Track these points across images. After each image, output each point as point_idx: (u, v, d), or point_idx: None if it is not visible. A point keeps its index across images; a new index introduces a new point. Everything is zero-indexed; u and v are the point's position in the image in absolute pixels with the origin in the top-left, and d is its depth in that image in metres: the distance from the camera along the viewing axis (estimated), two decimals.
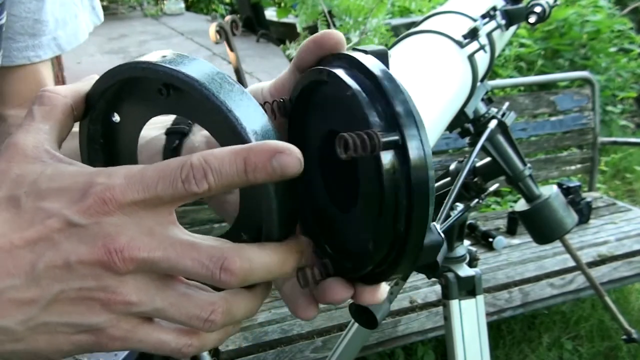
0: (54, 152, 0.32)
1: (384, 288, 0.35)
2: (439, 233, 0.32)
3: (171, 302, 0.30)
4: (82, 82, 0.36)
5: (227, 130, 0.30)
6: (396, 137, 0.30)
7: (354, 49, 0.35)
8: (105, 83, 0.34)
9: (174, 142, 0.43)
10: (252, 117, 0.30)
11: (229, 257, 0.29)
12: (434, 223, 0.32)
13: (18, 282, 0.28)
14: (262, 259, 0.30)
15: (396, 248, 0.31)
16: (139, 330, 0.30)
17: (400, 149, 0.30)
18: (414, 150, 0.30)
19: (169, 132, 0.45)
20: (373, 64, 0.32)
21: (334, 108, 0.34)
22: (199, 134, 0.44)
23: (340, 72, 0.33)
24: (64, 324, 0.29)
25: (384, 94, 0.31)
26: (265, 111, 0.34)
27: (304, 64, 0.37)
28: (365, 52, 0.34)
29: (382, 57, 0.33)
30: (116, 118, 0.36)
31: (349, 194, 0.33)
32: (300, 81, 0.37)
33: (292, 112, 0.38)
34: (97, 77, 0.34)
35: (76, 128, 0.37)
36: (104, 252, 0.28)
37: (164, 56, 0.32)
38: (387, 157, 0.29)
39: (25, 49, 0.59)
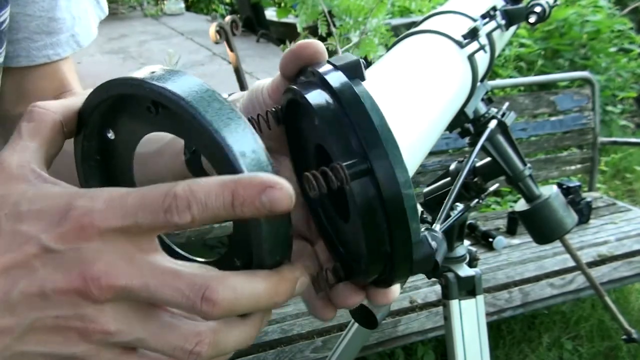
0: (40, 171, 0.31)
1: (396, 287, 0.35)
2: (429, 244, 0.32)
3: (153, 332, 0.28)
4: (74, 98, 0.35)
5: (215, 152, 0.29)
6: (365, 166, 0.30)
7: (327, 61, 0.34)
8: (97, 97, 0.33)
9: (192, 149, 0.43)
10: (241, 139, 0.29)
11: (211, 286, 0.27)
12: (425, 233, 0.32)
13: None
14: (248, 288, 0.28)
15: (388, 264, 0.32)
16: (120, 358, 0.29)
17: (370, 174, 0.30)
18: (383, 175, 0.30)
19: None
20: (340, 85, 0.32)
21: (315, 125, 0.34)
22: None
23: (312, 96, 0.32)
24: (42, 353, 0.28)
25: (349, 120, 0.30)
26: (259, 125, 0.34)
27: (288, 72, 0.37)
28: (336, 67, 0.33)
29: (354, 69, 0.33)
30: (111, 134, 0.35)
31: (345, 204, 0.34)
32: (283, 96, 0.37)
33: (286, 120, 0.38)
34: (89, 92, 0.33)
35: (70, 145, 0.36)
36: (80, 280, 0.27)
37: (153, 72, 0.31)
38: (357, 188, 0.30)
39: (44, 47, 0.59)
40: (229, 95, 0.48)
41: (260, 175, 0.27)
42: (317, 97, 0.32)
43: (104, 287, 0.27)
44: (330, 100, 0.32)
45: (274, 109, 0.37)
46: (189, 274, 0.28)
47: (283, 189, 0.27)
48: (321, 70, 0.33)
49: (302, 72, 0.36)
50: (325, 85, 0.33)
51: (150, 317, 0.29)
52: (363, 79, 0.33)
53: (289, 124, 0.39)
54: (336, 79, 0.32)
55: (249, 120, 0.37)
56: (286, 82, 0.38)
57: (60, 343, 0.28)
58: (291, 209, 0.27)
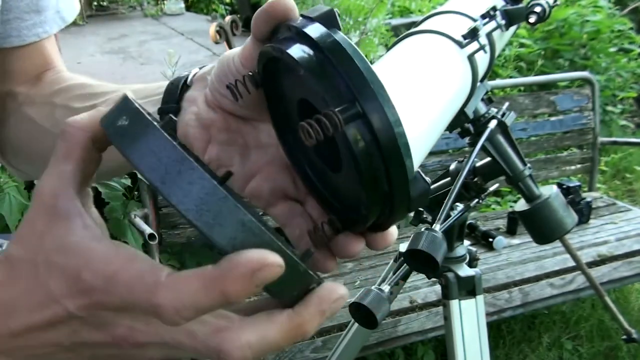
0: (76, 202, 0.31)
1: (394, 230, 0.36)
2: (424, 180, 0.33)
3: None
4: (103, 109, 0.34)
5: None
6: (356, 109, 0.30)
7: (301, 15, 0.34)
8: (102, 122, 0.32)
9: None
10: (195, 196, 0.27)
11: (223, 349, 0.28)
12: (418, 170, 0.33)
13: (55, 349, 0.31)
14: (265, 342, 0.28)
15: (387, 205, 0.32)
16: None
17: (362, 117, 0.30)
18: (375, 116, 0.30)
19: (161, 112, 0.45)
20: (320, 35, 0.32)
21: (298, 79, 0.34)
22: (189, 111, 0.44)
23: (293, 50, 0.32)
24: None
25: (334, 67, 0.31)
26: (237, 91, 0.34)
27: (261, 34, 0.37)
28: (311, 19, 0.33)
29: (330, 19, 0.33)
30: None
31: (335, 156, 0.34)
32: (259, 56, 0.37)
33: (264, 82, 0.38)
34: (124, 93, 0.32)
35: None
36: (111, 338, 0.30)
37: (124, 119, 0.29)
38: (351, 131, 0.30)
39: (34, 26, 0.60)
40: (200, 68, 0.48)
41: (243, 263, 0.26)
42: (298, 50, 0.32)
43: (132, 344, 0.30)
44: (312, 51, 0.32)
45: (250, 73, 0.37)
46: (203, 334, 0.28)
47: (271, 265, 0.26)
48: (297, 24, 0.33)
49: (275, 33, 0.36)
50: (305, 38, 0.32)
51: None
52: (339, 28, 0.33)
53: (267, 86, 0.38)
54: (314, 30, 0.32)
55: (227, 87, 0.37)
56: (259, 45, 0.37)
57: None
58: (283, 272, 0.27)
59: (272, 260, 0.26)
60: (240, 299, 0.27)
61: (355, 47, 0.31)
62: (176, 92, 0.46)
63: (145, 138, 0.28)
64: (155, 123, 0.29)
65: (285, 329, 0.29)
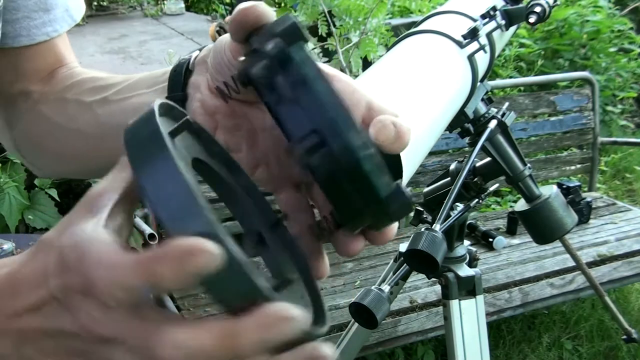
0: (109, 205, 0.31)
1: (392, 227, 0.36)
2: (403, 192, 0.33)
3: None
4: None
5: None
6: (316, 139, 0.30)
7: (267, 28, 0.34)
8: None
9: None
10: (161, 183, 0.27)
11: (150, 344, 0.27)
12: (397, 183, 0.33)
13: (40, 335, 0.30)
14: (196, 345, 0.26)
15: (367, 216, 0.33)
16: None
17: (325, 146, 0.30)
18: (336, 145, 0.30)
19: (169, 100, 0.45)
20: (280, 55, 0.31)
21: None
22: (195, 98, 0.44)
23: (256, 71, 0.32)
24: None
25: (293, 95, 0.30)
26: (228, 93, 0.34)
27: (238, 38, 0.37)
28: (275, 34, 0.32)
29: (293, 33, 0.32)
30: None
31: None
32: (239, 68, 0.36)
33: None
34: (152, 105, 0.31)
35: None
36: (76, 327, 0.29)
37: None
38: (315, 162, 0.30)
39: (43, 25, 0.60)
40: (200, 49, 0.48)
41: (176, 245, 0.25)
42: (260, 71, 0.32)
43: (94, 336, 0.29)
44: (271, 75, 0.31)
45: (232, 77, 0.37)
46: (142, 329, 0.28)
47: (206, 251, 0.25)
48: (261, 41, 0.33)
49: (252, 35, 0.36)
50: (267, 57, 0.32)
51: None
52: (305, 40, 0.32)
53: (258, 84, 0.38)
54: (276, 48, 0.32)
55: (217, 89, 0.37)
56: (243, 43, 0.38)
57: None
58: (222, 264, 0.25)
59: (209, 247, 0.25)
60: (173, 285, 0.25)
61: (316, 66, 0.31)
62: (180, 80, 0.46)
63: (156, 164, 0.27)
64: (170, 146, 0.28)
65: (216, 335, 0.26)
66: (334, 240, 0.36)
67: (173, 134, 0.31)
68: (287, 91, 0.31)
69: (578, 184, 2.35)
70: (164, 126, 0.30)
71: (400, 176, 0.69)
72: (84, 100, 0.56)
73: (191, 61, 0.47)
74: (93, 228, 0.30)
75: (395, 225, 0.36)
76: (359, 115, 0.37)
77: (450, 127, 1.06)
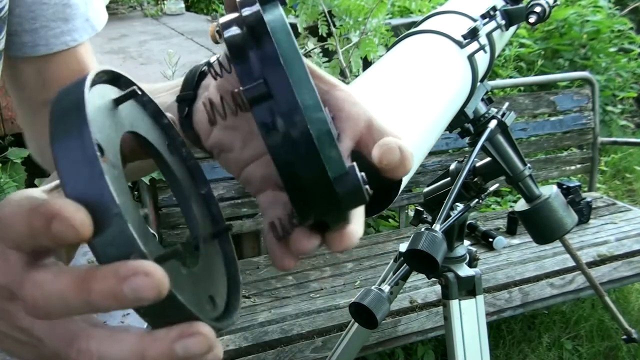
0: (43, 192, 0.32)
1: (351, 232, 0.33)
2: (355, 174, 0.29)
3: (44, 330, 0.30)
4: None
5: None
6: (263, 89, 0.28)
7: None
8: None
9: (184, 111, 0.45)
10: (78, 177, 0.26)
11: (23, 285, 0.27)
12: (353, 165, 0.29)
13: None
14: (54, 286, 0.26)
15: (315, 202, 0.29)
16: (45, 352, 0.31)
17: (269, 98, 0.28)
18: (283, 98, 0.27)
19: (179, 100, 0.46)
20: (249, 14, 0.30)
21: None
22: (202, 97, 0.45)
23: (228, 33, 0.31)
24: (9, 335, 0.31)
25: (253, 47, 0.29)
26: (215, 72, 0.34)
27: (230, 5, 0.36)
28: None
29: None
30: None
31: None
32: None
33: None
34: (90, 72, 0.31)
35: None
36: None
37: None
38: (258, 113, 0.28)
39: (62, 34, 0.60)
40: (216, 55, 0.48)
41: (117, 265, 0.25)
42: (232, 32, 0.31)
43: (1, 286, 0.29)
44: (239, 32, 0.30)
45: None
46: (17, 272, 0.28)
47: (150, 276, 0.24)
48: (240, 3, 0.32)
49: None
50: (240, 18, 0.31)
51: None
52: (284, 3, 0.31)
53: None
54: (250, 9, 0.30)
55: (206, 64, 0.35)
56: None
57: (12, 329, 0.31)
58: (164, 294, 0.25)
59: (154, 271, 0.25)
60: (107, 307, 0.25)
61: (286, 26, 0.29)
62: (193, 81, 0.47)
63: (70, 135, 0.27)
64: (89, 114, 0.27)
65: (75, 275, 0.26)
66: (289, 239, 0.34)
67: (117, 102, 0.30)
68: (246, 45, 0.29)
69: (578, 184, 2.35)
70: (108, 94, 0.29)
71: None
72: None
73: (205, 66, 0.48)
74: (19, 198, 0.30)
75: (356, 229, 0.33)
76: (357, 130, 0.35)
77: (450, 127, 1.06)
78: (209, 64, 0.36)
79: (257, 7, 0.29)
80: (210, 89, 0.44)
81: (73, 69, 0.62)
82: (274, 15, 0.29)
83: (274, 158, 0.28)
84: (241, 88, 0.27)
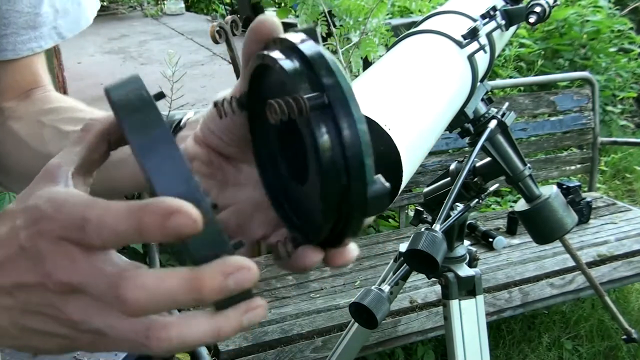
0: (69, 174, 0.35)
1: (353, 248, 0.36)
2: (382, 183, 0.32)
3: (109, 324, 0.31)
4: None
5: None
6: (322, 99, 0.31)
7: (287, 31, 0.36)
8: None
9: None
10: (160, 159, 0.30)
11: (121, 285, 0.29)
12: (379, 176, 0.33)
13: (1, 290, 0.33)
14: (162, 287, 0.29)
15: (345, 205, 0.32)
16: (99, 341, 0.32)
17: (327, 107, 0.31)
18: (340, 108, 0.31)
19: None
20: (300, 40, 0.33)
21: (277, 88, 0.35)
22: (188, 128, 0.46)
23: (273, 53, 0.34)
24: (40, 330, 0.33)
25: (310, 65, 0.32)
26: (224, 111, 0.37)
27: (252, 53, 0.38)
28: (295, 31, 0.35)
29: (311, 33, 0.35)
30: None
31: (304, 165, 0.35)
32: (246, 73, 0.38)
33: (249, 103, 0.39)
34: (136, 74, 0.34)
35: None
36: (39, 276, 0.31)
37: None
38: (315, 118, 0.31)
39: (29, 41, 0.62)
40: (195, 113, 0.49)
41: (164, 202, 0.28)
42: (279, 52, 0.34)
43: (55, 281, 0.30)
44: (293, 53, 0.33)
45: (237, 96, 0.39)
46: (110, 273, 0.30)
47: (187, 214, 0.28)
48: (282, 36, 0.35)
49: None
50: (287, 45, 0.34)
51: (106, 310, 0.31)
52: (319, 42, 0.34)
53: (251, 110, 0.40)
54: (296, 37, 0.34)
55: (214, 104, 0.38)
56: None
57: (47, 324, 0.32)
58: (199, 229, 0.28)
59: (190, 211, 0.28)
60: (154, 237, 0.28)
61: (336, 61, 0.33)
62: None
63: (149, 129, 0.30)
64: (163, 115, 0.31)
65: (182, 277, 0.29)
66: (291, 258, 0.36)
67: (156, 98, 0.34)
68: (304, 68, 0.33)
69: (578, 184, 2.35)
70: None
71: (400, 177, 0.69)
72: (61, 129, 0.58)
73: (183, 120, 0.49)
74: (64, 187, 0.33)
75: (355, 246, 0.36)
76: None
77: (450, 127, 1.06)
78: (216, 103, 0.39)
79: (307, 38, 0.34)
80: (187, 141, 0.45)
81: (27, 78, 0.64)
82: (324, 50, 0.33)
83: (321, 157, 0.31)
84: (305, 96, 0.30)
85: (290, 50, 0.34)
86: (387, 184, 0.32)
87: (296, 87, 0.31)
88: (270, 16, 0.37)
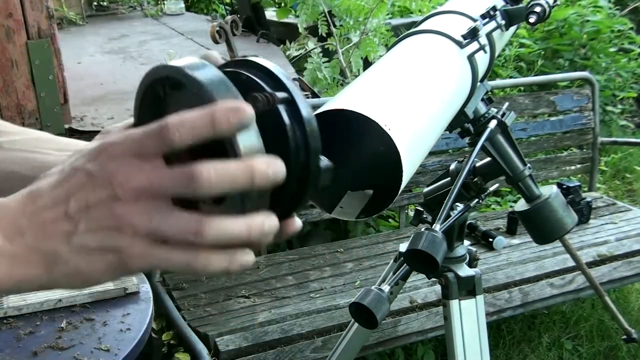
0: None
1: (299, 220, 0.44)
2: (327, 160, 0.42)
3: (167, 221, 0.37)
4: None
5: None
6: (286, 95, 0.41)
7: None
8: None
9: None
10: (216, 83, 0.38)
11: (195, 174, 0.36)
12: (325, 159, 0.42)
13: (61, 218, 0.39)
14: (226, 168, 0.36)
15: (302, 179, 0.41)
16: (151, 250, 0.38)
17: (290, 102, 0.41)
18: (301, 102, 0.41)
19: None
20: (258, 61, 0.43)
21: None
22: None
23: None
24: (95, 246, 0.38)
25: (270, 74, 0.42)
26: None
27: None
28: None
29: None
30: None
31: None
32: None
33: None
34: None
35: None
36: (110, 188, 0.37)
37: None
38: (282, 109, 0.41)
39: None
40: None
41: (228, 102, 0.37)
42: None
43: (126, 189, 0.37)
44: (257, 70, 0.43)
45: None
46: (177, 169, 0.37)
47: (245, 109, 0.37)
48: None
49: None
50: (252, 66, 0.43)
51: (166, 210, 0.37)
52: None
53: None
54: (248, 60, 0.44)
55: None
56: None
57: (105, 236, 0.38)
58: (253, 119, 0.37)
59: (246, 107, 0.37)
60: (222, 128, 0.36)
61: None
62: None
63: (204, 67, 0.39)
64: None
65: (239, 163, 0.37)
66: None
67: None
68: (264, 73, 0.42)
69: (578, 184, 2.34)
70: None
71: (401, 176, 0.69)
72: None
73: None
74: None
75: (299, 220, 0.44)
76: None
77: (451, 127, 1.06)
78: None
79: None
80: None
81: None
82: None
83: (288, 142, 0.40)
84: (271, 92, 0.40)
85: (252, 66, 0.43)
86: (330, 162, 0.43)
87: (263, 88, 0.41)
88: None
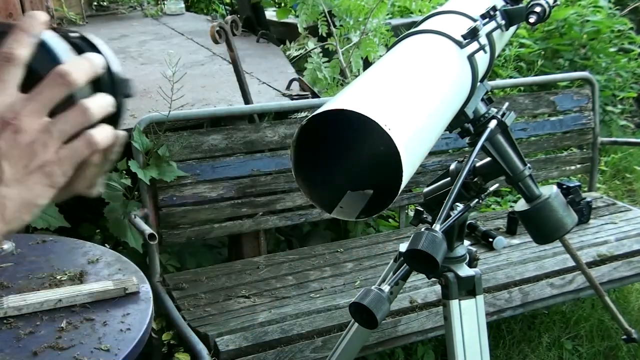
0: None
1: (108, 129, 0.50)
2: (124, 77, 0.52)
3: (60, 123, 0.46)
4: None
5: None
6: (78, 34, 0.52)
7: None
8: None
9: None
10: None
11: (62, 74, 0.45)
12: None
13: None
14: (79, 66, 0.47)
15: (118, 95, 0.51)
16: (63, 152, 0.46)
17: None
18: (105, 52, 0.52)
19: None
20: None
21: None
22: None
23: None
24: (24, 173, 0.45)
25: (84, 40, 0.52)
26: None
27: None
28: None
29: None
30: None
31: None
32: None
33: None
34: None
35: None
36: (11, 126, 0.44)
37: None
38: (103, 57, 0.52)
39: None
40: None
41: (85, 57, 0.49)
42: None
43: (22, 120, 0.44)
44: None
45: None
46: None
47: (93, 62, 0.49)
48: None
49: None
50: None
51: (55, 120, 0.46)
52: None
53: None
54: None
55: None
56: None
57: (28, 161, 0.45)
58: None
59: (95, 59, 0.50)
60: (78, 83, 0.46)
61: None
62: None
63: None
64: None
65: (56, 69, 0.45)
66: None
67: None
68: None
69: (578, 184, 2.34)
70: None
71: (400, 176, 0.69)
72: None
73: None
74: None
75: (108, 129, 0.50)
76: None
77: (451, 127, 1.06)
78: None
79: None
80: None
81: None
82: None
83: (112, 74, 0.52)
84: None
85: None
86: (126, 76, 0.52)
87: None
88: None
